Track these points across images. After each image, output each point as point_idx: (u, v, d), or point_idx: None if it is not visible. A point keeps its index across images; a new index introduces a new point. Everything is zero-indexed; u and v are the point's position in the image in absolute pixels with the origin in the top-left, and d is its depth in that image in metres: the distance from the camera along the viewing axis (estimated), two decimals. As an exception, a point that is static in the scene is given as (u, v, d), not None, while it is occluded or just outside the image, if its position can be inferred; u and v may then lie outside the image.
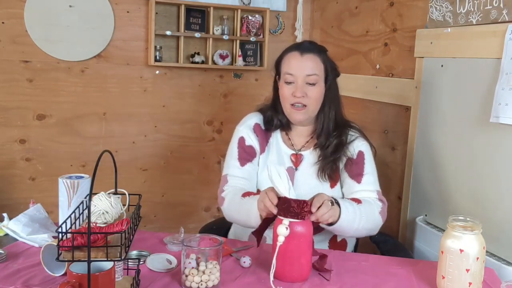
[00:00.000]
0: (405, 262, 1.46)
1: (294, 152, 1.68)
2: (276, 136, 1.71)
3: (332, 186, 1.64)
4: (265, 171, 1.68)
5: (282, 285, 1.26)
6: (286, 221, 1.26)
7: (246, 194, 1.57)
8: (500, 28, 1.55)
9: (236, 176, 1.66)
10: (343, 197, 1.63)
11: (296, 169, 1.66)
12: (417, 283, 1.32)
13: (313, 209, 1.30)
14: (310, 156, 1.67)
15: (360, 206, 1.49)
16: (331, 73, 1.65)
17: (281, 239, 1.26)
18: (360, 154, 1.63)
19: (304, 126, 1.68)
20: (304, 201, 1.28)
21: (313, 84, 1.59)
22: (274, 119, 1.69)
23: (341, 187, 1.66)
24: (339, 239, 1.69)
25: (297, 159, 1.67)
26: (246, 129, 1.70)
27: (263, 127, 1.71)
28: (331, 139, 1.63)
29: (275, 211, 1.30)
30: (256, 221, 1.47)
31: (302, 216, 1.27)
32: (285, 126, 1.70)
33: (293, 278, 1.28)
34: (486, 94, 1.60)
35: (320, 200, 1.33)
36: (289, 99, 1.60)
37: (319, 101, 1.63)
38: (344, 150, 1.64)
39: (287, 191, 1.29)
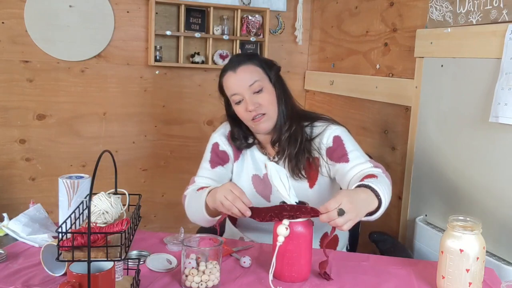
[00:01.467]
0: (405, 262, 1.46)
1: (268, 159, 1.66)
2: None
3: (311, 186, 1.61)
4: (242, 178, 1.68)
5: (281, 285, 1.26)
6: (286, 221, 1.26)
7: (201, 188, 1.55)
8: (500, 28, 1.55)
9: (204, 176, 1.67)
10: (338, 189, 1.59)
11: None
12: (417, 283, 1.32)
13: (323, 210, 1.23)
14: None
15: (379, 180, 1.39)
16: (271, 71, 1.62)
17: (280, 239, 1.26)
18: (336, 139, 1.57)
19: (270, 134, 1.64)
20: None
21: (260, 91, 1.56)
22: (236, 143, 1.68)
23: (335, 179, 1.60)
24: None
25: None
26: (221, 136, 1.72)
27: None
28: (284, 133, 1.59)
29: (248, 213, 1.32)
30: (202, 212, 1.47)
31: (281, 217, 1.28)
32: (251, 144, 1.68)
33: (292, 278, 1.28)
34: (486, 94, 1.60)
35: (334, 206, 1.22)
36: (246, 116, 1.58)
37: (274, 103, 1.59)
38: (310, 144, 1.59)
39: (287, 192, 1.29)
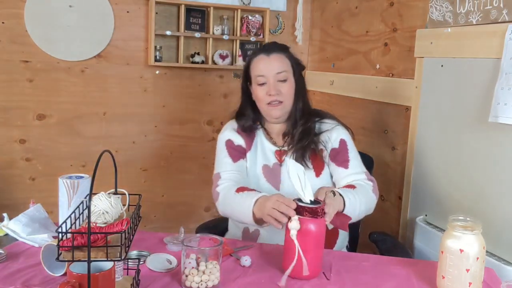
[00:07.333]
0: (405, 262, 1.46)
1: (277, 148, 1.74)
2: (260, 135, 1.77)
3: (317, 175, 1.67)
4: (254, 168, 1.72)
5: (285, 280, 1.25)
6: (295, 216, 1.26)
7: (240, 189, 1.57)
8: (500, 28, 1.55)
9: (229, 170, 1.69)
10: (334, 186, 1.68)
11: (281, 164, 1.71)
12: (417, 283, 1.32)
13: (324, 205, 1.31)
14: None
15: (357, 191, 1.54)
16: (297, 67, 1.74)
17: (293, 233, 1.25)
18: (342, 142, 1.70)
19: (280, 123, 1.75)
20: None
21: (284, 81, 1.68)
22: (242, 120, 1.76)
23: (331, 177, 1.70)
24: (329, 227, 1.69)
25: (280, 155, 1.72)
26: (231, 132, 1.77)
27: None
28: (298, 127, 1.71)
29: (293, 214, 1.29)
30: (249, 219, 1.49)
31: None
32: (255, 128, 1.76)
33: (291, 273, 1.27)
34: (486, 94, 1.60)
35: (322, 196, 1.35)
36: (265, 99, 1.68)
37: (292, 95, 1.71)
38: (317, 138, 1.70)
39: (302, 190, 1.29)
